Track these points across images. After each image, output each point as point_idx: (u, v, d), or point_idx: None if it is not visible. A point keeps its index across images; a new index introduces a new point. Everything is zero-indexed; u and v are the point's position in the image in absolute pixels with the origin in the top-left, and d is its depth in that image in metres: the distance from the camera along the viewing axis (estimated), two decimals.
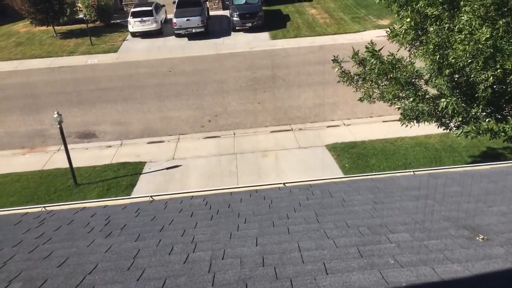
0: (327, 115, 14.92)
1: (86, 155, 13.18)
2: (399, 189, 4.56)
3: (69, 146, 11.54)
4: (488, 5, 6.46)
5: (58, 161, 12.66)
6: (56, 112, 10.81)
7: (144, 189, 11.03)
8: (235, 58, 21.12)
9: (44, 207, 4.87)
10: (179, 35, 24.32)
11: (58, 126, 10.90)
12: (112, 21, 27.93)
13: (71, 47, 24.12)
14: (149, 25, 24.54)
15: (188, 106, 16.20)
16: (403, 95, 7.84)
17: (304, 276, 2.57)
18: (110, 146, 13.75)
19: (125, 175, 11.87)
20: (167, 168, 12.15)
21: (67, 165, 11.32)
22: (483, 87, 6.71)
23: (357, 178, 5.29)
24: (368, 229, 3.27)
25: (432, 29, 7.05)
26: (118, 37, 25.38)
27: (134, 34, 24.96)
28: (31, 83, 19.57)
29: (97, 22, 27.35)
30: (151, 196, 4.94)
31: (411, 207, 3.77)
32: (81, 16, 26.95)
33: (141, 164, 12.43)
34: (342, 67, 8.37)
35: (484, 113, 7.31)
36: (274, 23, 25.67)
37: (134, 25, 24.53)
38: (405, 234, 3.10)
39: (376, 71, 7.73)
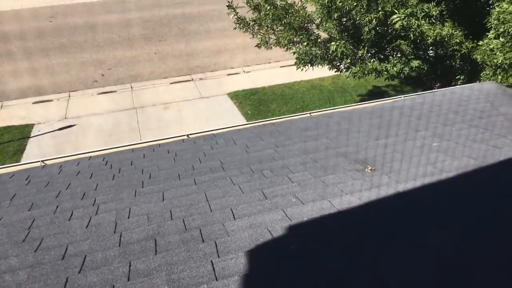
0: (227, 63, 14.84)
1: None
2: (297, 131, 4.79)
3: None
4: None
5: None
6: None
7: (35, 153, 10.13)
8: (125, 4, 19.61)
9: None
10: None
11: None
12: None
13: None
14: None
15: (76, 60, 14.87)
16: (297, 39, 8.06)
17: (213, 224, 2.62)
18: None
19: (11, 140, 10.73)
20: (60, 129, 11.23)
21: None
22: (367, 29, 7.17)
23: (258, 124, 5.42)
24: (271, 172, 3.41)
25: None
26: None
27: None
28: None
29: None
30: (42, 161, 4.55)
31: (309, 147, 4.00)
32: None
33: (29, 127, 11.31)
34: (237, 13, 8.26)
35: (369, 54, 7.87)
36: None
37: None
38: (304, 173, 3.30)
39: (270, 16, 7.79)
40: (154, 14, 18.51)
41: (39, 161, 4.54)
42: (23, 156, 10.16)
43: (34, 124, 11.42)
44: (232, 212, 2.76)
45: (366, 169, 3.19)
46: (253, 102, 12.36)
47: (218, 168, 3.75)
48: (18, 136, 10.90)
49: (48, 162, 4.53)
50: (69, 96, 12.92)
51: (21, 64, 14.51)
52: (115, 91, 13.19)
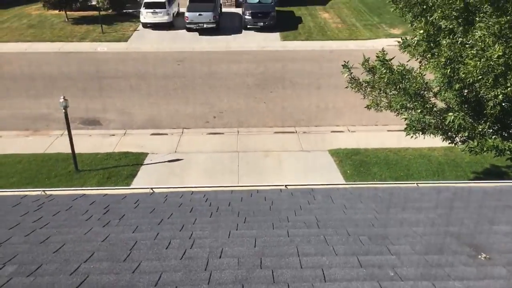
0: (332, 120, 14.87)
1: (89, 142, 13.17)
2: (401, 200, 4.52)
3: (73, 132, 11.54)
4: (502, 23, 6.41)
5: (61, 145, 12.65)
6: (62, 97, 10.80)
7: (144, 180, 11.02)
8: (245, 56, 21.08)
9: (43, 190, 4.85)
10: (190, 29, 24.29)
11: (63, 110, 10.90)
12: (124, 11, 27.91)
13: (82, 34, 24.10)
14: (161, 17, 24.50)
15: (194, 101, 16.18)
16: (411, 106, 7.80)
17: (302, 282, 2.54)
18: (113, 135, 13.74)
19: (126, 165, 11.86)
20: (169, 161, 12.13)
21: (69, 150, 11.32)
22: (492, 104, 6.67)
23: (359, 185, 5.25)
24: (369, 239, 3.23)
25: (445, 42, 7.02)
26: (129, 27, 25.37)
27: (145, 25, 24.93)
28: (39, 67, 19.57)
29: (110, 11, 27.31)
30: (151, 188, 4.91)
31: (413, 220, 3.73)
32: (94, 3, 26.94)
33: (143, 155, 12.42)
34: (351, 73, 8.34)
35: (491, 130, 7.26)
36: (286, 24, 25.60)
37: (146, 16, 24.49)
38: (406, 247, 3.06)
39: (385, 80, 7.70)
40: (269, 66, 19.56)
41: (148, 188, 4.91)
42: (134, 181, 11.12)
43: (148, 154, 12.52)
44: (323, 273, 2.64)
45: (480, 256, 2.85)
46: (354, 162, 12.07)
47: (313, 224, 3.67)
48: (133, 162, 12.01)
49: (156, 190, 4.88)
50: (182, 132, 13.99)
51: (147, 99, 16.23)
52: (223, 133, 13.96)
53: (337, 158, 12.39)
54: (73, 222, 3.75)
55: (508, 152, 6.90)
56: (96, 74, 18.55)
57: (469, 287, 2.46)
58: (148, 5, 24.42)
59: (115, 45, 22.72)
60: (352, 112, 14.80)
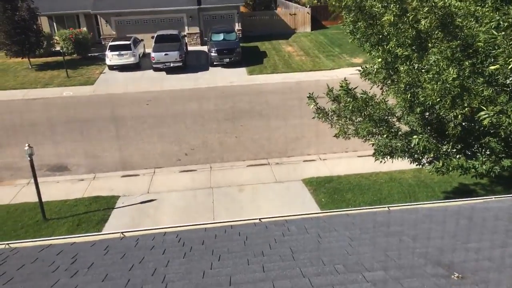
0: (303, 149, 15.04)
1: (57, 189, 12.76)
2: (374, 225, 4.55)
3: (40, 179, 11.18)
4: (454, 46, 6.77)
5: (27, 195, 12.20)
6: (27, 145, 10.51)
7: (116, 224, 10.69)
8: (213, 92, 21.29)
9: (8, 244, 4.63)
10: (157, 69, 24.45)
11: (29, 158, 10.57)
12: (89, 54, 27.92)
13: (46, 79, 23.83)
14: (127, 58, 24.61)
15: (165, 140, 16.07)
16: (377, 131, 8.00)
17: None
18: (82, 180, 13.39)
19: (97, 210, 11.50)
20: (141, 203, 11.86)
21: (37, 199, 10.91)
22: (453, 125, 6.93)
23: (333, 213, 5.27)
24: (344, 267, 3.21)
25: (402, 68, 7.31)
26: (95, 70, 25.30)
27: (111, 67, 24.94)
28: (3, 115, 19.09)
29: (74, 55, 27.27)
30: (122, 233, 4.77)
31: (386, 244, 3.76)
32: (58, 48, 26.82)
33: (114, 198, 12.10)
34: (317, 103, 8.52)
35: (455, 150, 7.50)
36: (251, 59, 26.19)
37: (111, 58, 24.54)
38: (380, 272, 3.06)
39: (350, 108, 7.90)
40: (238, 100, 19.80)
41: (118, 233, 4.76)
42: (105, 226, 10.76)
43: (120, 196, 12.21)
44: None
45: (453, 276, 2.87)
46: (327, 190, 12.16)
47: (288, 256, 3.63)
48: (104, 206, 11.67)
49: (127, 234, 4.73)
50: (154, 172, 13.78)
51: (116, 141, 16.01)
52: (196, 170, 13.84)
53: (311, 187, 12.45)
54: (38, 275, 3.57)
55: (473, 170, 7.12)
56: (63, 119, 18.24)
57: None
58: (114, 48, 24.54)
59: (81, 88, 22.53)
60: (322, 141, 15.04)
